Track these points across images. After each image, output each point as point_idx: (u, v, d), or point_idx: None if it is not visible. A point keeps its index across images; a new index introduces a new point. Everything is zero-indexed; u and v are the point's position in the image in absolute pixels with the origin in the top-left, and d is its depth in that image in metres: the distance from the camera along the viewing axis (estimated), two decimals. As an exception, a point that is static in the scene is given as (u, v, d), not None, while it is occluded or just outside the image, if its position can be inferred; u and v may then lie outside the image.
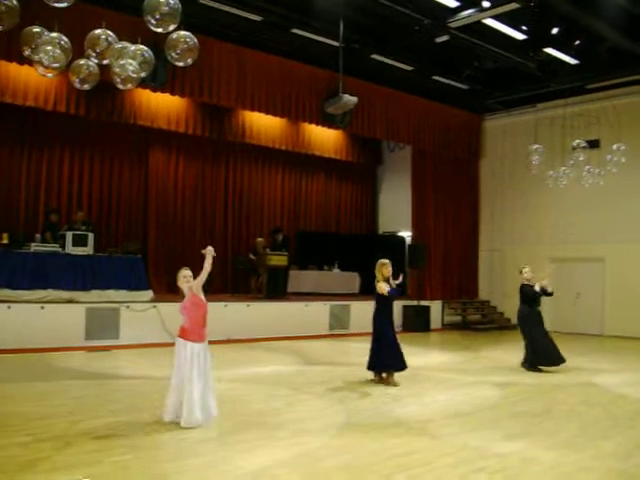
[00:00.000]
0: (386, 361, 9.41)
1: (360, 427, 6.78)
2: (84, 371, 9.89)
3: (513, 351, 13.36)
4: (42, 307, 11.86)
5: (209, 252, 6.75)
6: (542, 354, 10.98)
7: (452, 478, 5.22)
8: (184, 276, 6.81)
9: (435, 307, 18.45)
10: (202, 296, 6.79)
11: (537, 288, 11.12)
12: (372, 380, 9.49)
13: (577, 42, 14.75)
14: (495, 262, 20.12)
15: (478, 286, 20.57)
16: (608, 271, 17.72)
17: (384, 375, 9.43)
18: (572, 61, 15.72)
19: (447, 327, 18.89)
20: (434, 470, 5.38)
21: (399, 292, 9.79)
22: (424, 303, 18.02)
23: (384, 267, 9.43)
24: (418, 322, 17.54)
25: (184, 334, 6.69)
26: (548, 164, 15.28)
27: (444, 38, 14.55)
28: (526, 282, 11.21)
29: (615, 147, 14.29)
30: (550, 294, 11.33)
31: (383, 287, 9.29)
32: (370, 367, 9.52)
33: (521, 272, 11.31)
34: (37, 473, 5.00)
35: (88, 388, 8.49)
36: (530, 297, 11.12)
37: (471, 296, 20.27)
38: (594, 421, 7.40)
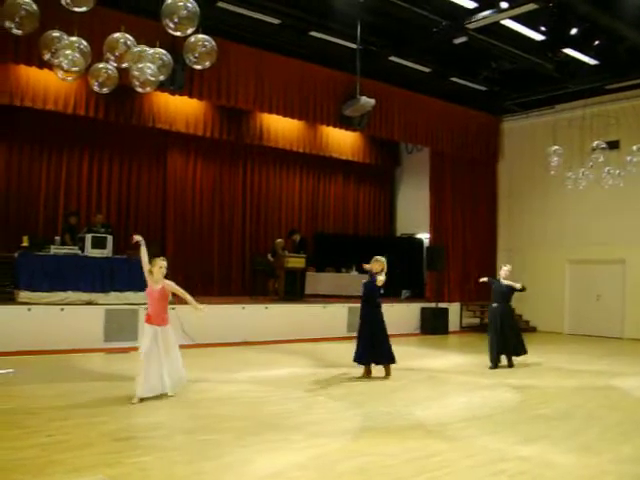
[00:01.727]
0: (390, 354, 9.99)
1: (378, 430, 6.76)
2: (103, 372, 9.95)
3: (531, 354, 13.27)
4: (62, 309, 11.94)
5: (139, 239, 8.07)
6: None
7: (471, 481, 5.20)
8: (163, 266, 7.96)
9: (453, 309, 18.38)
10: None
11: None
12: (362, 376, 9.88)
13: (596, 42, 14.61)
14: (514, 264, 19.85)
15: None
16: (629, 273, 17.53)
17: (375, 368, 10.00)
18: (591, 61, 15.58)
19: (465, 329, 18.81)
20: (453, 473, 5.36)
21: None
22: (442, 305, 17.96)
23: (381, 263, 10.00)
24: (436, 324, 17.48)
25: (151, 320, 7.82)
26: (567, 165, 15.17)
27: (462, 39, 14.51)
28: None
29: (635, 148, 14.13)
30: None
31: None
32: (372, 360, 9.95)
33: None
34: (57, 474, 5.03)
35: (108, 389, 8.53)
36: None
37: (490, 298, 20.10)
38: (614, 424, 7.34)
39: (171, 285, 7.98)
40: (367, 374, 9.99)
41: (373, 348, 9.86)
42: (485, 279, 12.10)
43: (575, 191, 15.89)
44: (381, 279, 9.83)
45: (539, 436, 6.65)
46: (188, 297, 8.10)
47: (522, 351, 11.56)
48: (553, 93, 17.87)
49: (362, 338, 9.91)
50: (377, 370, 10.10)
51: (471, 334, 18.14)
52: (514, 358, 11.55)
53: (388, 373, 10.02)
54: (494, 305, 11.65)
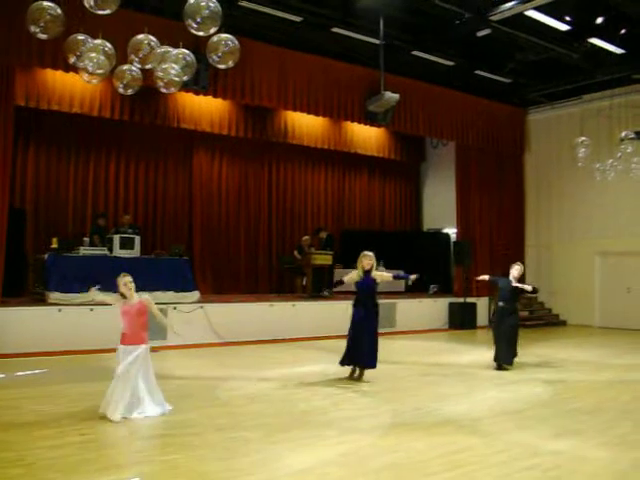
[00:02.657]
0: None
1: (408, 425, 6.75)
2: (134, 372, 10.02)
3: (562, 348, 13.20)
4: (91, 309, 12.04)
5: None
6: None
7: (505, 476, 5.16)
8: (127, 282, 7.32)
9: (482, 304, 18.25)
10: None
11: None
12: (352, 378, 9.42)
13: (622, 31, 14.41)
14: (542, 258, 19.80)
15: (525, 282, 20.22)
16: (659, 265, 17.30)
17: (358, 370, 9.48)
18: (618, 50, 15.35)
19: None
20: (486, 468, 5.32)
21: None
22: (470, 300, 17.84)
23: (365, 258, 9.38)
24: (464, 319, 17.38)
25: (127, 339, 7.18)
26: (595, 157, 15.00)
27: (486, 32, 14.38)
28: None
29: (664, 137, 13.97)
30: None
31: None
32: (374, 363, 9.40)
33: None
34: (89, 472, 5.09)
35: (138, 389, 8.60)
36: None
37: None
38: (648, 418, 7.26)
39: (149, 300, 7.39)
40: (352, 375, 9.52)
41: (359, 350, 9.35)
42: (485, 277, 11.32)
43: (604, 182, 15.71)
44: (379, 274, 9.51)
45: (571, 430, 6.58)
46: (163, 319, 7.86)
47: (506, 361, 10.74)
48: (579, 83, 17.62)
49: (367, 340, 9.34)
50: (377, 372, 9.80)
51: (500, 328, 18.00)
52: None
53: (362, 375, 9.46)
54: (501, 304, 10.71)
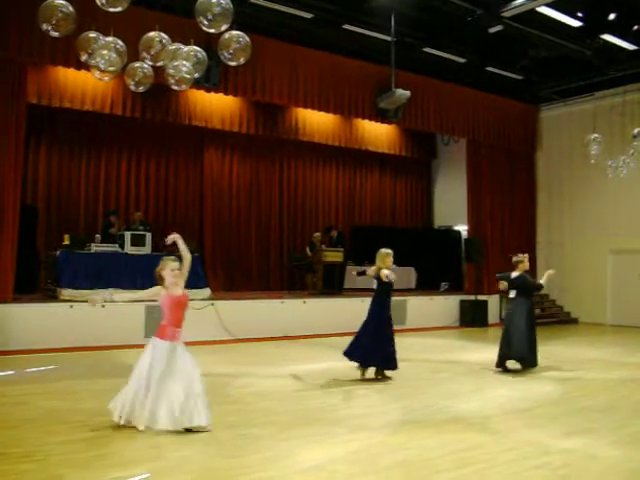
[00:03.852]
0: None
1: (418, 423, 6.74)
2: (145, 368, 10.06)
3: (573, 345, 13.14)
4: (103, 306, 12.09)
5: (175, 238, 6.64)
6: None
7: (514, 474, 5.14)
8: (175, 268, 6.58)
9: (493, 301, 18.19)
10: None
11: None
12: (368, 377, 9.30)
13: (635, 27, 14.32)
14: (554, 255, 19.69)
15: (536, 279, 20.13)
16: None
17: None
18: (630, 47, 15.25)
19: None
20: (496, 466, 5.31)
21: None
22: (481, 297, 17.79)
23: (388, 257, 9.37)
24: (475, 317, 17.33)
25: (167, 334, 6.58)
26: (607, 153, 14.91)
27: (497, 28, 14.30)
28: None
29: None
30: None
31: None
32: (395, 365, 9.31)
33: (522, 261, 10.56)
34: (99, 468, 5.11)
35: (149, 385, 8.63)
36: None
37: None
38: (660, 416, 7.22)
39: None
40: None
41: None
42: (504, 285, 10.58)
43: (616, 180, 15.60)
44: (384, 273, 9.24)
45: (583, 429, 6.56)
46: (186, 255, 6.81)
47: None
48: (592, 80, 17.49)
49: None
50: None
51: (511, 326, 17.95)
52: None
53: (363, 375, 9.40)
54: (524, 299, 10.42)
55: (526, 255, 10.75)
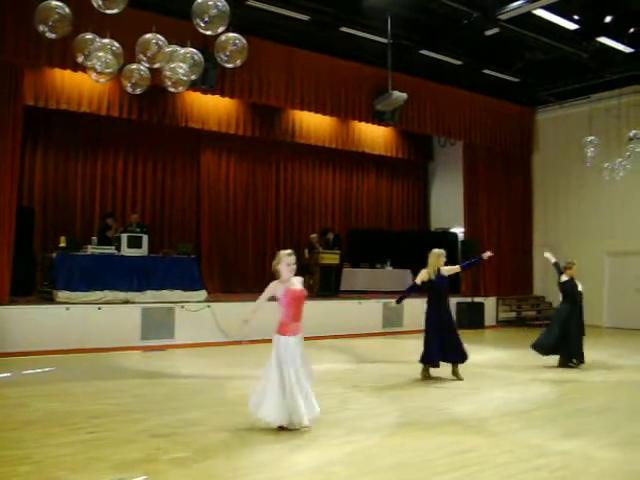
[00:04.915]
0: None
1: (415, 425, 6.73)
2: (142, 370, 10.06)
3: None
4: (99, 308, 12.10)
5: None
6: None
7: (511, 476, 5.14)
8: (292, 263, 6.42)
9: (489, 303, 18.21)
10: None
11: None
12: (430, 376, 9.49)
13: (631, 30, 14.35)
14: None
15: (533, 282, 20.21)
16: (669, 264, 17.20)
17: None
18: (626, 49, 15.28)
19: (502, 324, 18.61)
20: (492, 468, 5.30)
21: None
22: (478, 300, 17.81)
23: (442, 257, 9.49)
24: (472, 319, 17.33)
25: (289, 329, 6.45)
26: (604, 156, 14.94)
27: (494, 31, 14.32)
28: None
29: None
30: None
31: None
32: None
33: (571, 267, 11.04)
34: (97, 470, 5.10)
35: (146, 387, 8.63)
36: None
37: (526, 292, 19.93)
38: (657, 418, 7.22)
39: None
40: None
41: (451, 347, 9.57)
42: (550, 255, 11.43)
43: (612, 182, 15.64)
44: (448, 269, 9.53)
45: (580, 431, 6.55)
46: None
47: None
48: (588, 83, 17.52)
49: (455, 337, 9.62)
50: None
51: (507, 328, 17.98)
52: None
53: (457, 370, 9.71)
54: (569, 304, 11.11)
55: (576, 264, 11.23)
